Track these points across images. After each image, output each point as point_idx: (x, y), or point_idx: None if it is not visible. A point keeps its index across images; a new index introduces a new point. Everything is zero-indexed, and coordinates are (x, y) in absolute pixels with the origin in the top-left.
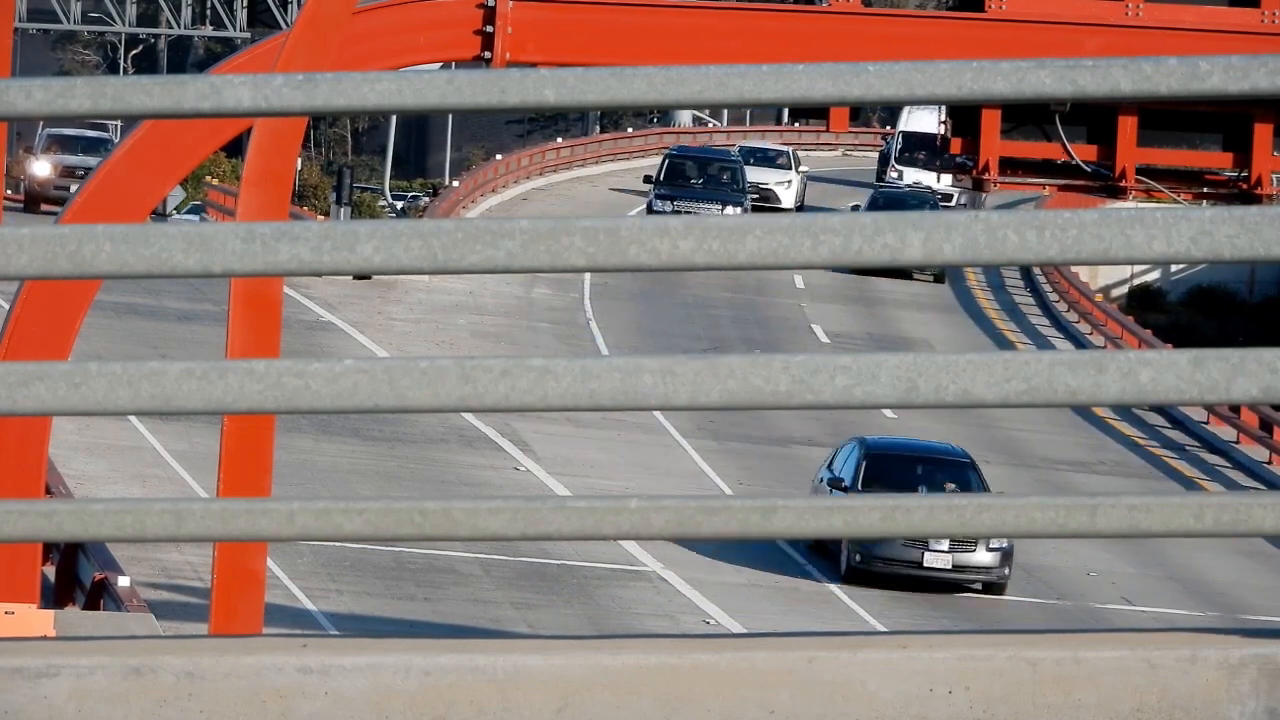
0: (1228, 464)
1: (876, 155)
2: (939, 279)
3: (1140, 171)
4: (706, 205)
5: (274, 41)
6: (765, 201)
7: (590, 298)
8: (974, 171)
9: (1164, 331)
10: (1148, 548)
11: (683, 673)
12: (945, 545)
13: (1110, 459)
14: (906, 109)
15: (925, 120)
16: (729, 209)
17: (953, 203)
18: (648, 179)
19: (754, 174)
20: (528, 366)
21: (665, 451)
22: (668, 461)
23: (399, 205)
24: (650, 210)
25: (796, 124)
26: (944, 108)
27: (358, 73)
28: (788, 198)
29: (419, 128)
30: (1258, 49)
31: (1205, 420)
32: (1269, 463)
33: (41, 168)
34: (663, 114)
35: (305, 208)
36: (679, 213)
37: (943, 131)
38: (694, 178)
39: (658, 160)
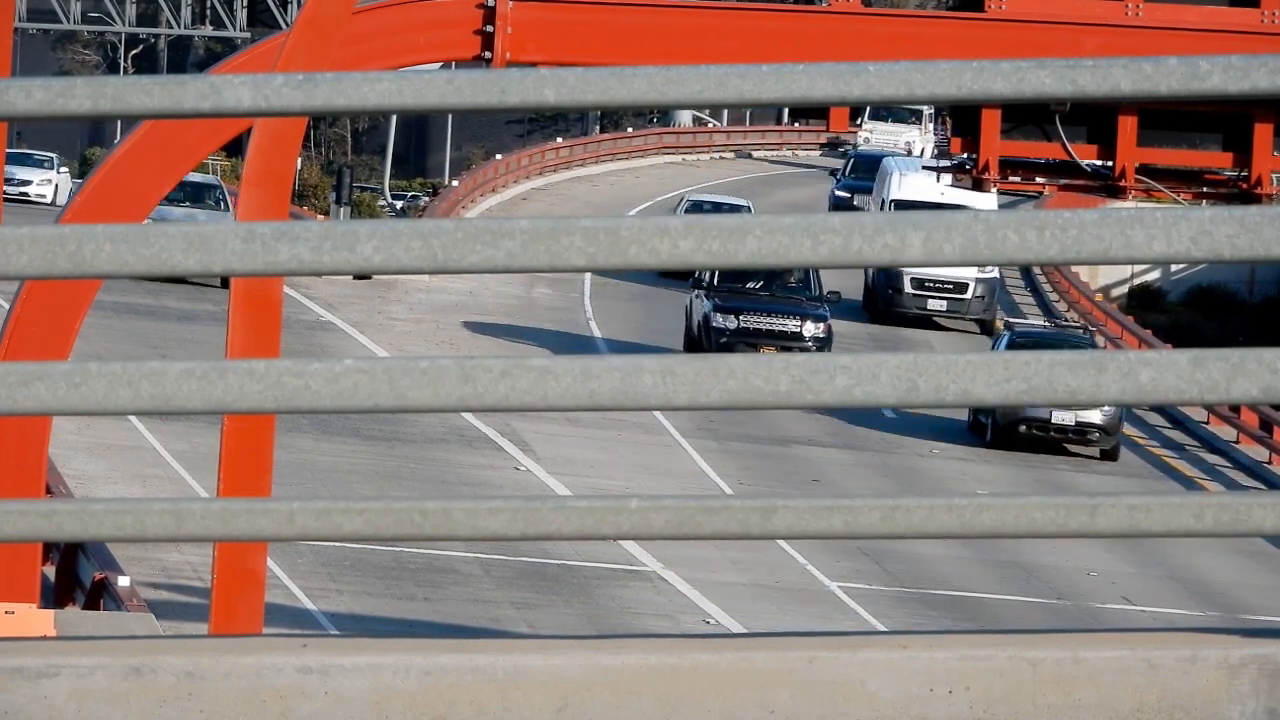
0: (1228, 464)
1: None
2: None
3: (1140, 171)
4: (777, 320)
5: (274, 41)
6: None
7: (590, 298)
8: (974, 171)
9: (1164, 331)
10: (1148, 548)
11: (683, 673)
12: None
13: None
14: (897, 172)
15: (922, 186)
16: (807, 324)
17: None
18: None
19: None
20: (528, 366)
21: (665, 451)
22: (668, 461)
23: (399, 205)
24: (708, 324)
25: (796, 124)
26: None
27: (358, 73)
28: None
29: (419, 128)
30: (1258, 49)
31: (1205, 420)
32: (1269, 463)
33: None
34: (663, 114)
35: (305, 208)
36: (747, 329)
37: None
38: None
39: (657, 160)
